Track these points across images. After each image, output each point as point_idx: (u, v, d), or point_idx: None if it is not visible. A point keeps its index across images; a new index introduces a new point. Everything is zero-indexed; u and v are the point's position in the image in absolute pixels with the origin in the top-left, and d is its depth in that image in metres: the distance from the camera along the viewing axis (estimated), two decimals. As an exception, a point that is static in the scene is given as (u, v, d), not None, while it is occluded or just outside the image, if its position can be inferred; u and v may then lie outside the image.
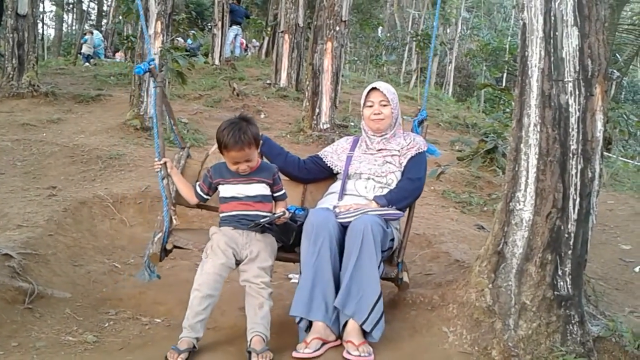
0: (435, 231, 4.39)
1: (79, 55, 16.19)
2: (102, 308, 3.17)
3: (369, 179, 2.97)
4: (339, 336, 2.60)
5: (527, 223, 2.50)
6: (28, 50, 8.57)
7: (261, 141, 2.86)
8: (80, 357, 2.50)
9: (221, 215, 2.75)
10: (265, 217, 2.65)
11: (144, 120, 7.11)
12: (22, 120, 7.30)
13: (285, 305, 2.85)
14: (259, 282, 2.56)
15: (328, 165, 3.15)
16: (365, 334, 2.56)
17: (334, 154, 3.18)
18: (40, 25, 19.96)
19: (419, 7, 21.93)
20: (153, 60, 2.83)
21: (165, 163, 2.80)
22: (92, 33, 17.58)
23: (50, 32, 32.64)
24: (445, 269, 3.49)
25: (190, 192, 2.83)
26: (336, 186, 3.06)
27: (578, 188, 2.44)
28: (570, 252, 2.46)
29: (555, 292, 2.45)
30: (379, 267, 2.63)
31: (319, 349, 2.50)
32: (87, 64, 15.24)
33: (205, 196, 2.81)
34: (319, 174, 3.19)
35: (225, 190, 2.73)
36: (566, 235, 2.46)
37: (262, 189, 2.73)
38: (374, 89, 3.07)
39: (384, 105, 3.03)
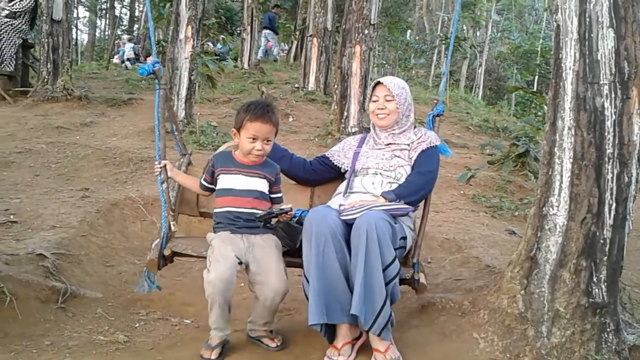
0: (465, 236, 4.33)
1: (111, 60, 16.55)
2: (132, 308, 3.20)
3: (376, 174, 2.81)
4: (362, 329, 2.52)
5: (561, 228, 2.45)
6: (62, 54, 8.73)
7: None
8: (112, 357, 2.53)
9: (215, 211, 2.65)
10: (266, 212, 2.54)
11: (174, 124, 7.17)
12: (57, 123, 7.44)
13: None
14: (280, 298, 2.50)
15: (335, 164, 3.03)
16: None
17: (340, 152, 3.05)
18: (74, 30, 20.45)
19: (448, 10, 21.81)
20: (158, 62, 2.74)
21: (165, 166, 2.71)
22: (130, 41, 18.13)
23: (84, 37, 33.55)
24: (475, 274, 3.44)
25: (195, 183, 2.76)
26: (343, 185, 2.91)
27: (614, 193, 2.39)
28: (605, 258, 2.41)
29: (590, 300, 2.40)
30: (390, 267, 2.42)
31: (351, 354, 2.47)
32: (127, 70, 15.51)
33: (208, 185, 2.70)
34: (326, 174, 3.06)
35: (223, 181, 2.63)
36: (601, 241, 2.40)
37: (261, 185, 2.63)
38: (379, 83, 2.95)
39: (389, 101, 2.89)
